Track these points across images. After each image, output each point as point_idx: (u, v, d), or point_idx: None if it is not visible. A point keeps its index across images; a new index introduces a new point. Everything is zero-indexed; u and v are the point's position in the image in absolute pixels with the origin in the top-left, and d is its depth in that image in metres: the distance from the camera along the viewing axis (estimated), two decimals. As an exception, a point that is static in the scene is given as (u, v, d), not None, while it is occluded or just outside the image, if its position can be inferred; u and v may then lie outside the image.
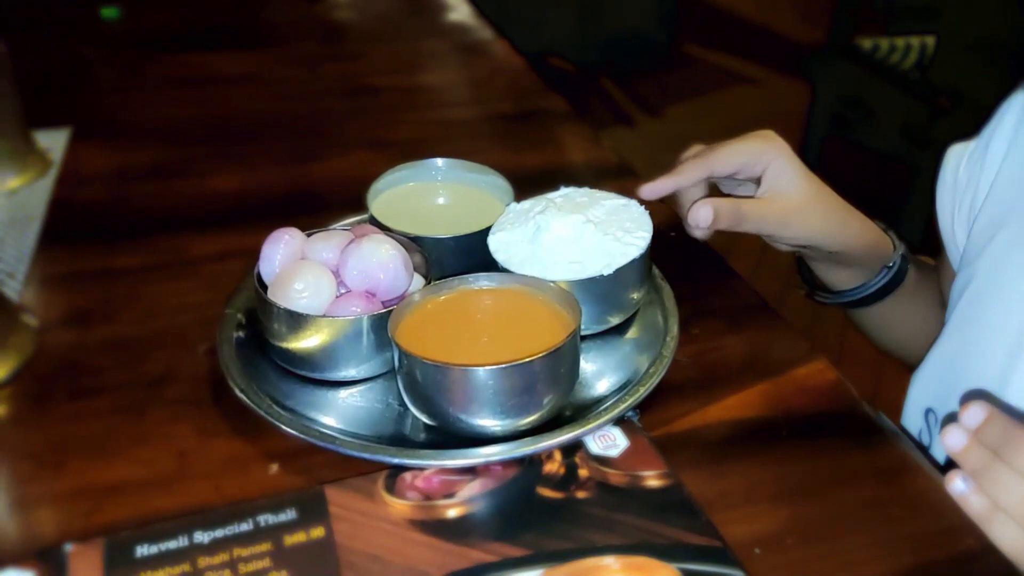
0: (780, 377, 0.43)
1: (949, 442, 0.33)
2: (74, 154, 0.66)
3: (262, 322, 0.41)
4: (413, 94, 0.82)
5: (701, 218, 0.43)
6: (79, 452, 0.37)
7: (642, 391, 0.39)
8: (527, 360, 0.35)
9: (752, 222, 0.44)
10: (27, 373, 0.42)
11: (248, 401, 0.38)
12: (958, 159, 0.50)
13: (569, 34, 3.26)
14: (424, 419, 0.38)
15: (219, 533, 0.32)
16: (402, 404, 0.39)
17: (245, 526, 0.33)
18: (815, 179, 0.47)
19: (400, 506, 0.34)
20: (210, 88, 0.81)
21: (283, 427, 0.37)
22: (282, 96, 0.80)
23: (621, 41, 3.24)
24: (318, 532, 0.33)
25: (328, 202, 0.58)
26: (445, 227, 0.46)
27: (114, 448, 0.38)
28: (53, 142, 0.67)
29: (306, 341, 0.39)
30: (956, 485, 0.32)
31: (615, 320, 0.44)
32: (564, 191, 0.48)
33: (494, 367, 0.35)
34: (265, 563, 0.31)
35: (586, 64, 3.17)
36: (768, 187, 0.45)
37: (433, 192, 0.52)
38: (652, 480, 0.35)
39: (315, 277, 0.40)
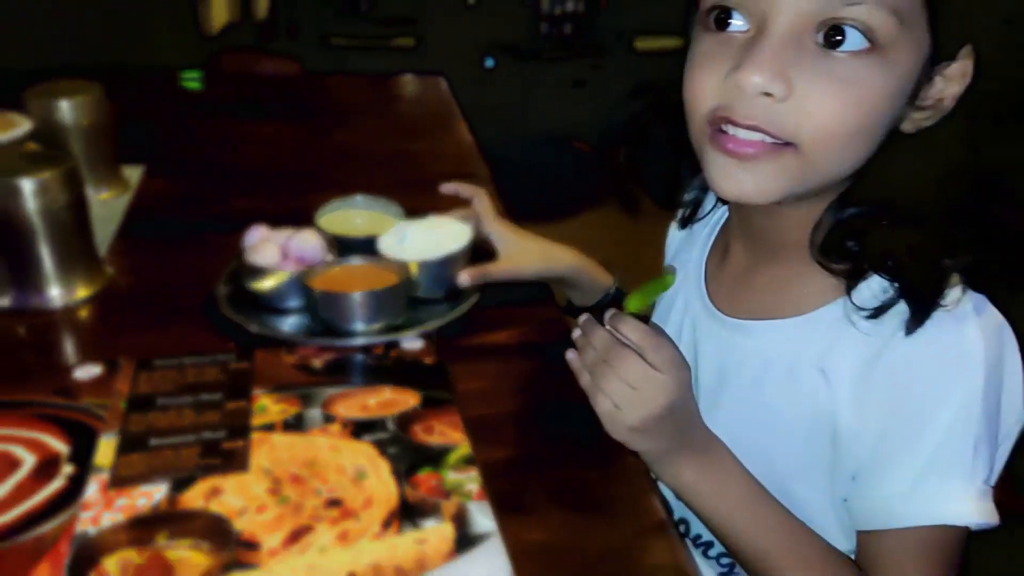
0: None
1: (568, 356, 0.60)
2: (145, 182, 1.00)
3: (240, 273, 0.73)
4: (383, 154, 1.16)
5: (462, 281, 0.73)
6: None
7: (439, 321, 0.70)
8: (367, 291, 0.66)
9: (494, 276, 0.74)
10: (98, 299, 0.75)
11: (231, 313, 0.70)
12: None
13: (589, 120, 3.64)
14: (316, 324, 0.69)
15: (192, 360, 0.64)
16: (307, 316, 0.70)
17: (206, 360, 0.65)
18: (521, 232, 0.77)
19: (292, 359, 0.65)
20: (247, 144, 1.16)
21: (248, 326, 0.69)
22: (293, 153, 1.15)
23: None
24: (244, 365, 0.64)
25: (306, 215, 0.91)
26: (356, 231, 0.78)
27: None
28: (132, 172, 1.02)
29: (261, 283, 0.71)
30: (568, 355, 0.59)
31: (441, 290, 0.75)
32: (429, 217, 0.79)
33: (353, 293, 0.66)
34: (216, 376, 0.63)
35: (602, 147, 3.53)
36: (498, 248, 0.76)
37: (356, 214, 0.84)
38: (428, 360, 0.66)
39: (268, 247, 0.72)
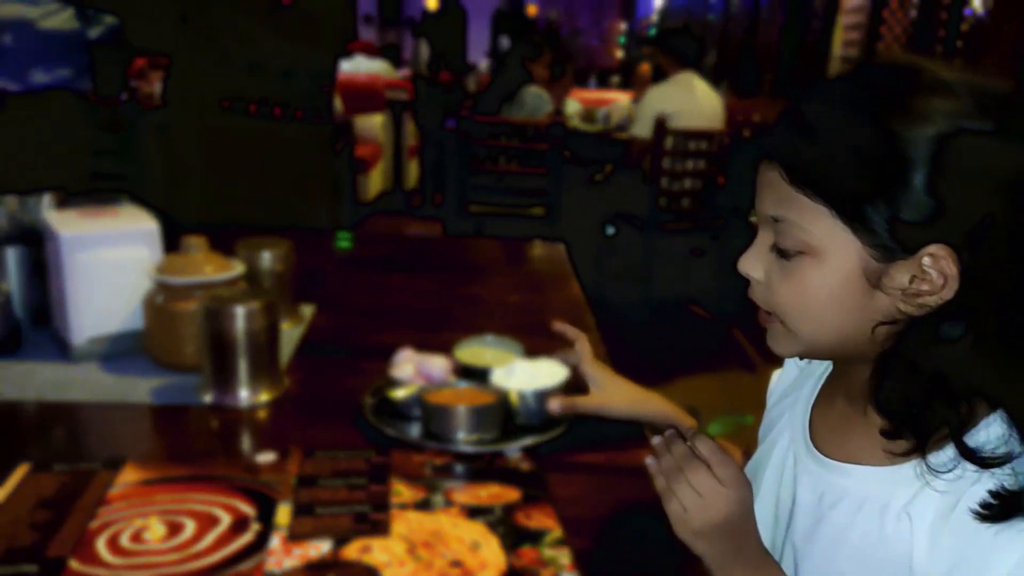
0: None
1: (647, 462, 0.72)
2: (316, 317, 1.23)
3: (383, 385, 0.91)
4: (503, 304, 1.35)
5: (553, 408, 0.87)
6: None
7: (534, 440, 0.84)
8: (465, 406, 0.83)
9: (580, 408, 0.88)
10: (276, 402, 0.95)
11: (372, 419, 0.88)
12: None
13: (708, 287, 3.77)
14: (429, 431, 0.85)
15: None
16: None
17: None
18: (614, 375, 0.90)
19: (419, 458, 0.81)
20: (393, 291, 1.39)
21: (384, 429, 0.86)
22: (431, 299, 1.36)
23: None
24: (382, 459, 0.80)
25: (441, 349, 1.10)
26: (482, 363, 0.95)
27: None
28: (307, 309, 1.25)
29: (395, 392, 0.89)
30: (648, 460, 0.70)
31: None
32: (538, 357, 0.95)
33: (451, 405, 0.83)
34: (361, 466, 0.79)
35: (721, 314, 3.63)
36: (591, 386, 0.90)
37: (485, 350, 1.02)
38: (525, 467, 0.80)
39: (407, 366, 0.90)
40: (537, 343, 0.98)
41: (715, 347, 3.34)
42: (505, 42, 4.51)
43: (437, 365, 0.93)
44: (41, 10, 1.89)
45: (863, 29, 5.16)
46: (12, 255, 1.03)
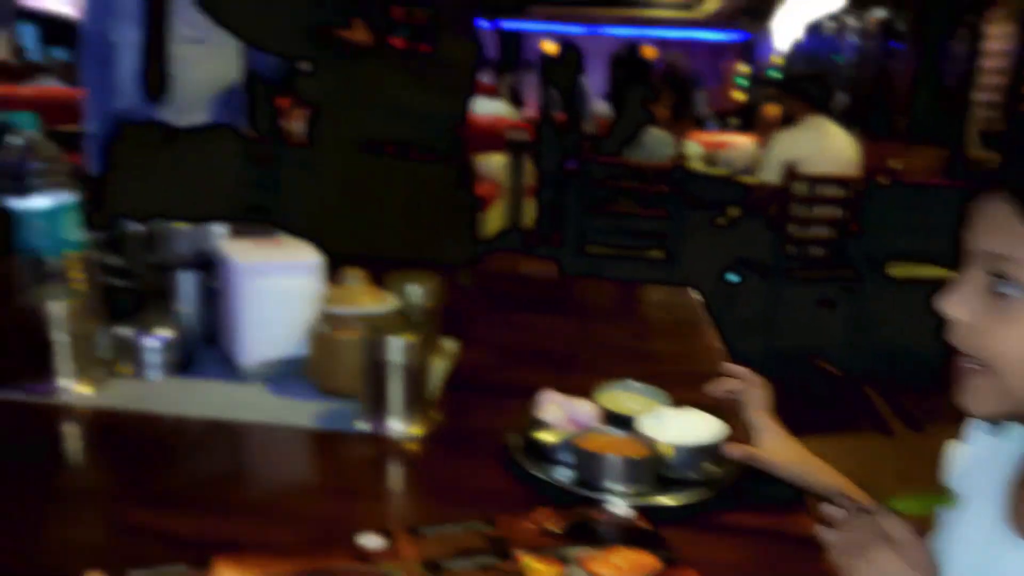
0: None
1: (822, 532, 0.68)
2: (463, 351, 1.26)
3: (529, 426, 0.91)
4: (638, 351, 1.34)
5: (731, 452, 0.84)
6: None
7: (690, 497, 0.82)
8: (623, 456, 0.81)
9: (755, 460, 0.84)
10: (425, 435, 0.97)
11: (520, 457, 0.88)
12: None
13: (839, 341, 3.61)
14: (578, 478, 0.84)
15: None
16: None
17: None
18: (784, 431, 0.86)
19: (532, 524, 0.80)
20: (518, 331, 1.40)
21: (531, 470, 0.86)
22: (560, 340, 1.37)
23: (891, 355, 3.49)
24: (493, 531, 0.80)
25: (576, 392, 1.10)
26: (626, 410, 0.94)
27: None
28: (450, 345, 1.28)
29: (544, 435, 0.89)
30: (822, 531, 0.64)
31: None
32: (686, 408, 0.94)
33: (610, 455, 0.82)
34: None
35: (852, 371, 3.46)
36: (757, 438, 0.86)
37: (627, 396, 1.01)
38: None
39: (554, 409, 0.90)
40: (678, 393, 0.96)
41: (844, 406, 3.18)
42: (623, 84, 4.52)
43: (585, 410, 0.93)
44: (208, 50, 2.05)
45: (1008, 75, 4.88)
46: (189, 280, 1.11)
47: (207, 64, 2.03)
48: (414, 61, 2.07)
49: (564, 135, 8.13)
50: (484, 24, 3.42)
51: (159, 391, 1.02)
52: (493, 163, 5.34)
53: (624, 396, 1.00)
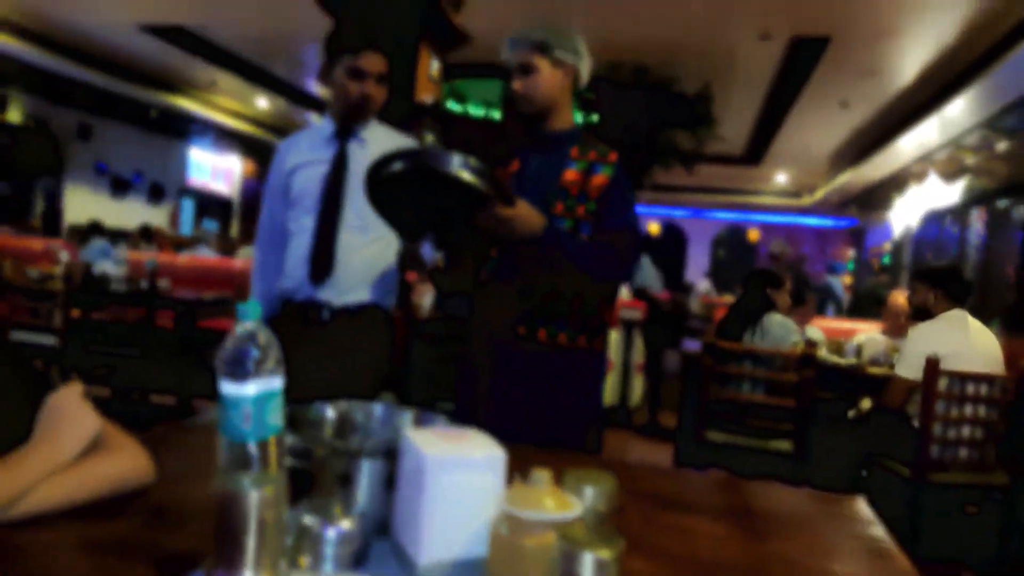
0: None
1: None
2: (632, 560, 1.18)
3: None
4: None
5: None
6: None
7: None
8: None
9: None
10: None
11: None
12: None
13: (986, 551, 3.28)
14: None
15: None
16: None
17: None
18: None
19: None
20: (678, 536, 1.32)
21: None
22: (735, 551, 1.28)
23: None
24: None
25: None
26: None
27: None
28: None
29: None
30: None
31: None
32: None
33: None
34: None
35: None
36: None
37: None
38: None
39: None
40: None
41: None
42: (748, 272, 4.56)
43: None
44: (367, 239, 2.19)
45: None
46: (371, 468, 1.12)
47: (368, 249, 2.16)
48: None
49: (671, 313, 8.16)
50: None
51: (335, 587, 0.99)
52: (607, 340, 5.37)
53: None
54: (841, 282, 9.85)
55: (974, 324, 3.32)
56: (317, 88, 10.60)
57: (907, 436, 3.24)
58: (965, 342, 3.22)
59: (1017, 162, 7.58)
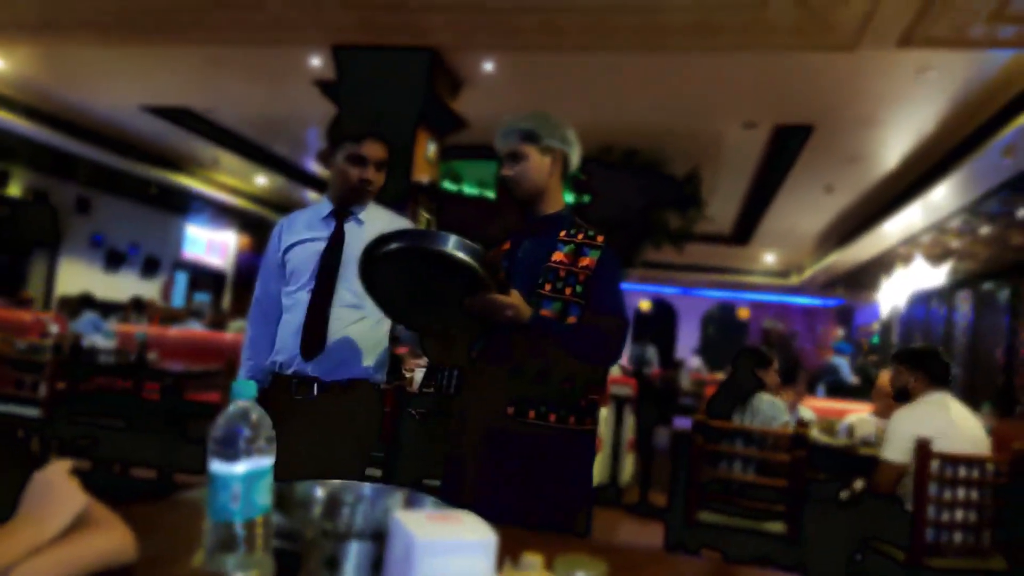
0: None
1: None
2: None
3: None
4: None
5: None
6: None
7: None
8: None
9: None
10: None
11: None
12: None
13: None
14: None
15: None
16: None
17: None
18: None
19: None
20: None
21: None
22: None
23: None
24: None
25: None
26: None
27: None
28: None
29: None
30: None
31: None
32: None
33: None
34: None
35: None
36: None
37: None
38: None
39: None
40: None
41: None
42: (738, 350, 4.58)
43: None
44: (360, 314, 2.21)
45: None
46: (358, 551, 1.11)
47: (360, 325, 2.18)
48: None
49: (660, 389, 8.14)
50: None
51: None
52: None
53: None
54: (846, 362, 9.84)
55: (955, 406, 3.33)
56: (316, 167, 10.80)
57: (900, 519, 3.20)
58: (948, 424, 3.22)
59: (1000, 246, 7.74)
